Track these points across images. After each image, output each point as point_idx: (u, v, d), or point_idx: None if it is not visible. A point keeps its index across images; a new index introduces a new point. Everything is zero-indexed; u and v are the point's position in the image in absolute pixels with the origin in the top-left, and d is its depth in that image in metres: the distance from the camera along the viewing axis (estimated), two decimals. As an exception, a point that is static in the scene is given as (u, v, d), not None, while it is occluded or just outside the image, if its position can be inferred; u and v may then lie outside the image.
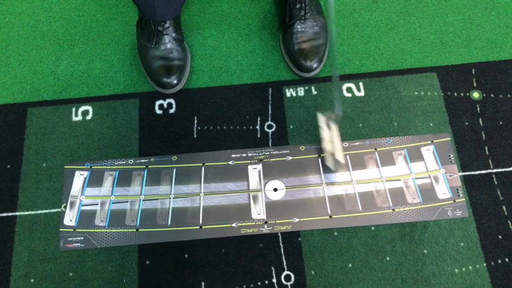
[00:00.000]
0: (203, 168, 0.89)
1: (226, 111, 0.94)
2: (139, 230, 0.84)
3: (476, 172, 0.88)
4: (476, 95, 0.94)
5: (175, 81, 0.92)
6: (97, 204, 0.86)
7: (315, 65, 0.93)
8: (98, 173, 0.89)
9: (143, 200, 0.86)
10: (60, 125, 0.93)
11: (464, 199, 0.86)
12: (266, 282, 0.81)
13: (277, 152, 0.90)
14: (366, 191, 0.87)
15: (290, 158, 0.90)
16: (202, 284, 0.81)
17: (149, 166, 0.89)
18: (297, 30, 0.94)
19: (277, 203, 0.86)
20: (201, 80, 0.97)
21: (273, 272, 0.82)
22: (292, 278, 0.81)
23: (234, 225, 0.85)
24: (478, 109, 0.93)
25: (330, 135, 0.87)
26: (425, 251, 0.82)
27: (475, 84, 0.95)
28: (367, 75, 0.97)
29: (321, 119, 0.88)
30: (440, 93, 0.94)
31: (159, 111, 0.94)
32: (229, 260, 0.83)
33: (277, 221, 0.85)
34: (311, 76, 0.95)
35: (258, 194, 0.87)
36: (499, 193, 0.86)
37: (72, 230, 0.84)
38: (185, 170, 0.89)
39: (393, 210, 0.85)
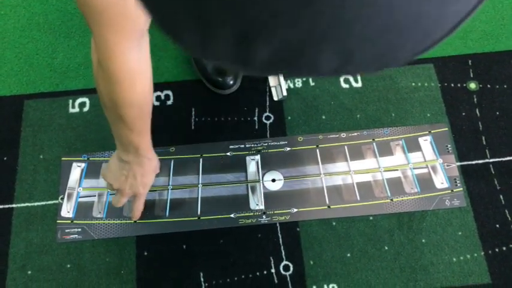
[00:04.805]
0: (201, 159, 0.89)
1: (224, 103, 0.94)
2: (137, 221, 0.84)
3: (474, 162, 0.88)
4: (472, 85, 0.95)
5: (231, 82, 0.92)
6: (94, 195, 0.86)
7: (231, 82, 0.92)
8: (95, 165, 0.88)
9: (141, 191, 0.86)
10: (57, 117, 0.92)
11: (461, 189, 0.86)
12: (265, 272, 0.81)
13: (275, 143, 0.90)
14: (363, 181, 0.87)
15: (288, 148, 0.90)
16: (201, 274, 0.81)
17: (147, 157, 0.89)
18: None
19: (276, 194, 0.86)
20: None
21: (272, 262, 0.82)
22: (291, 268, 0.81)
23: (232, 216, 0.85)
24: (475, 99, 0.93)
25: None
26: (423, 240, 0.83)
27: (471, 75, 0.96)
28: (364, 67, 0.96)
29: None
30: (437, 84, 0.95)
31: (156, 103, 0.93)
32: (228, 250, 0.83)
33: (275, 212, 0.85)
34: (228, 93, 0.93)
35: (256, 184, 0.87)
36: (496, 182, 0.87)
37: (70, 221, 0.84)
38: (183, 161, 0.89)
39: (391, 200, 0.85)
